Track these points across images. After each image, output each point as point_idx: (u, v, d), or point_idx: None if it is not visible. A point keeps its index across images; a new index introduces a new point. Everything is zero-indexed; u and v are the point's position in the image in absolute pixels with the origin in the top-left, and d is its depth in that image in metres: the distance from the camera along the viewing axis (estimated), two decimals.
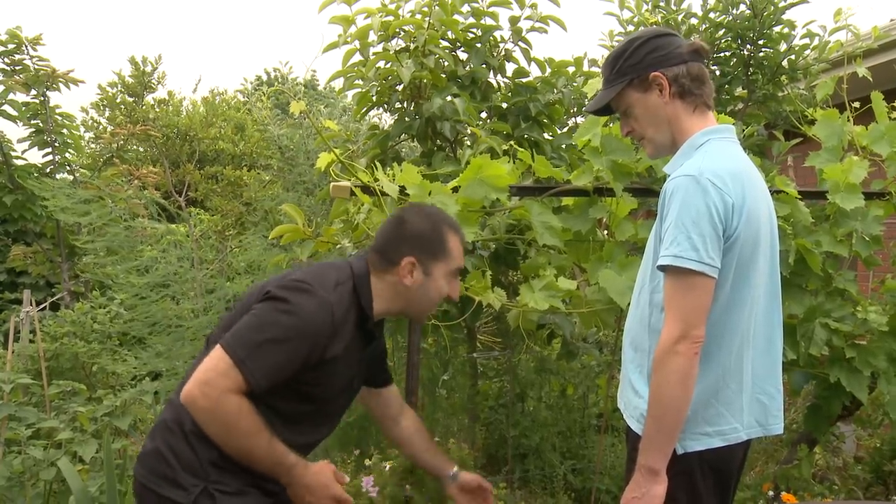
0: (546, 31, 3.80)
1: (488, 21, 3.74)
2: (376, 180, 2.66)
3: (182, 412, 1.69)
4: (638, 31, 1.90)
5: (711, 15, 4.49)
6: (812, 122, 3.13)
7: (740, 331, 1.77)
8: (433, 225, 1.85)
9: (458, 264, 1.87)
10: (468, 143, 3.70)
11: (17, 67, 5.69)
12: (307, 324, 1.65)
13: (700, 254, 1.61)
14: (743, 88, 4.55)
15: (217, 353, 1.62)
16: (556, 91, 3.83)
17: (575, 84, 3.96)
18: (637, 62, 1.81)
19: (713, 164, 1.70)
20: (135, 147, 13.60)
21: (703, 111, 1.84)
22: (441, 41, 3.61)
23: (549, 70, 3.91)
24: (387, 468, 3.08)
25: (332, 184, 2.70)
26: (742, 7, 4.37)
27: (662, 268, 1.68)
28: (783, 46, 4.36)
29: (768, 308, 1.87)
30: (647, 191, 2.77)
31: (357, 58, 3.64)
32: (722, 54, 4.53)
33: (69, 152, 6.09)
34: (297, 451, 1.74)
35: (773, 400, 1.88)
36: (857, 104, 3.13)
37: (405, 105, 3.74)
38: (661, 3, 4.54)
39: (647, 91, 1.82)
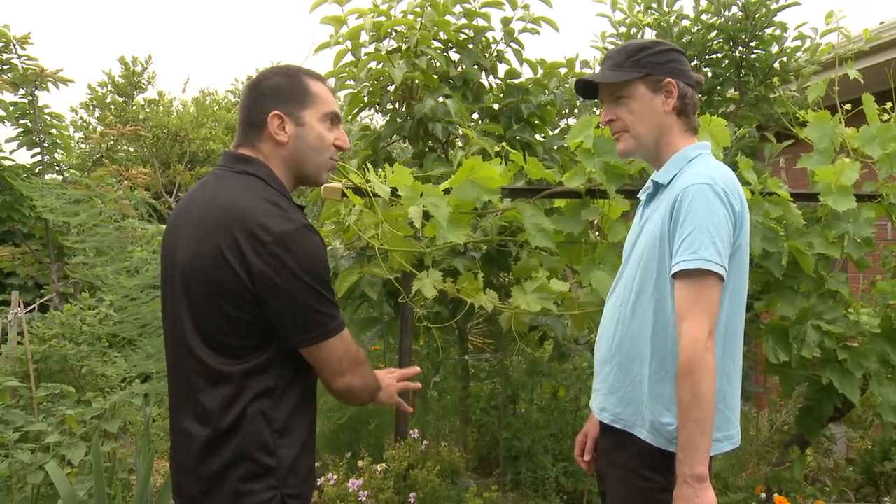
0: (538, 33, 3.80)
1: (480, 22, 3.73)
2: (367, 181, 2.65)
3: None
4: (660, 40, 1.89)
5: (703, 17, 4.49)
6: (804, 124, 3.13)
7: (739, 337, 1.81)
8: (288, 76, 1.73)
9: (331, 108, 1.75)
10: (460, 144, 3.69)
11: (5, 66, 5.65)
12: (322, 254, 1.66)
13: (722, 258, 1.66)
14: (735, 90, 4.55)
15: (318, 351, 1.60)
16: (548, 92, 3.83)
17: (567, 85, 3.96)
18: (660, 62, 1.85)
19: (720, 174, 1.75)
20: (125, 147, 13.55)
21: (691, 134, 1.91)
22: (433, 42, 3.60)
23: (541, 71, 3.91)
24: (378, 471, 3.07)
25: (323, 185, 2.68)
26: (734, 9, 4.37)
27: (690, 271, 1.66)
28: (775, 48, 4.36)
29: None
30: None
31: (349, 58, 3.62)
32: (714, 56, 4.54)
33: (58, 152, 6.05)
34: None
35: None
36: (848, 106, 3.14)
37: (397, 106, 3.72)
38: (654, 5, 4.53)
39: (655, 92, 1.85)
